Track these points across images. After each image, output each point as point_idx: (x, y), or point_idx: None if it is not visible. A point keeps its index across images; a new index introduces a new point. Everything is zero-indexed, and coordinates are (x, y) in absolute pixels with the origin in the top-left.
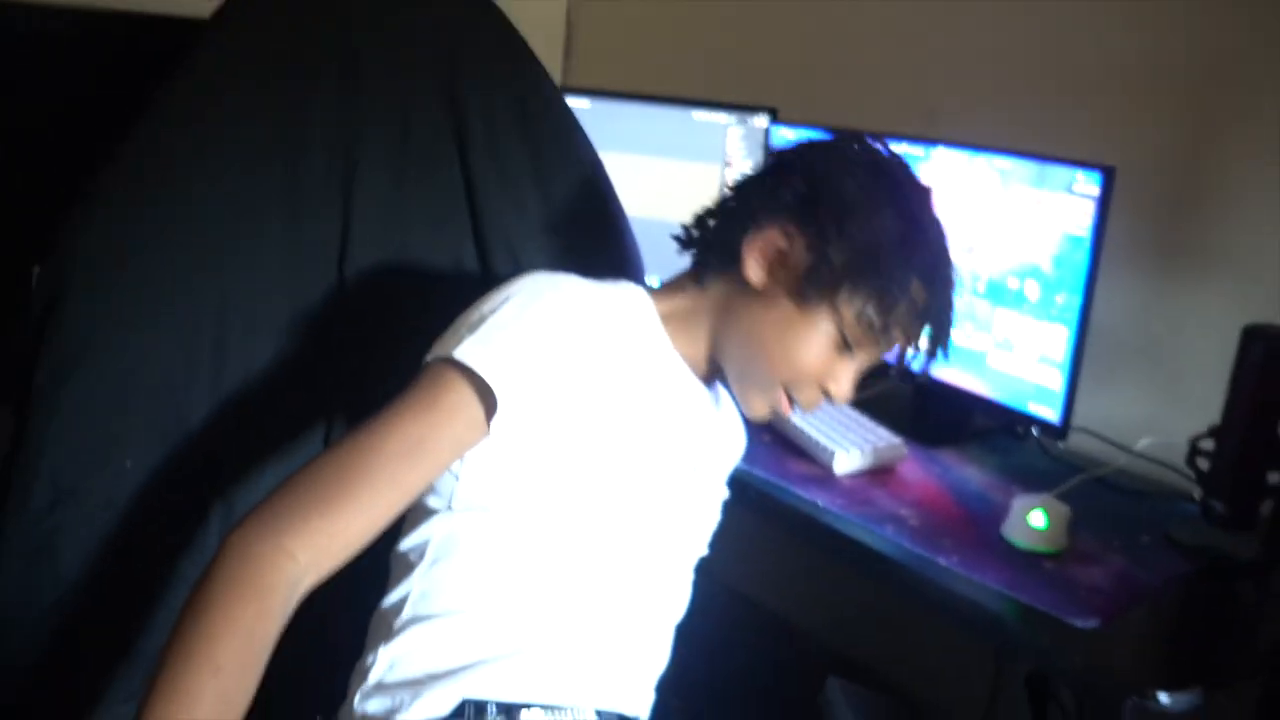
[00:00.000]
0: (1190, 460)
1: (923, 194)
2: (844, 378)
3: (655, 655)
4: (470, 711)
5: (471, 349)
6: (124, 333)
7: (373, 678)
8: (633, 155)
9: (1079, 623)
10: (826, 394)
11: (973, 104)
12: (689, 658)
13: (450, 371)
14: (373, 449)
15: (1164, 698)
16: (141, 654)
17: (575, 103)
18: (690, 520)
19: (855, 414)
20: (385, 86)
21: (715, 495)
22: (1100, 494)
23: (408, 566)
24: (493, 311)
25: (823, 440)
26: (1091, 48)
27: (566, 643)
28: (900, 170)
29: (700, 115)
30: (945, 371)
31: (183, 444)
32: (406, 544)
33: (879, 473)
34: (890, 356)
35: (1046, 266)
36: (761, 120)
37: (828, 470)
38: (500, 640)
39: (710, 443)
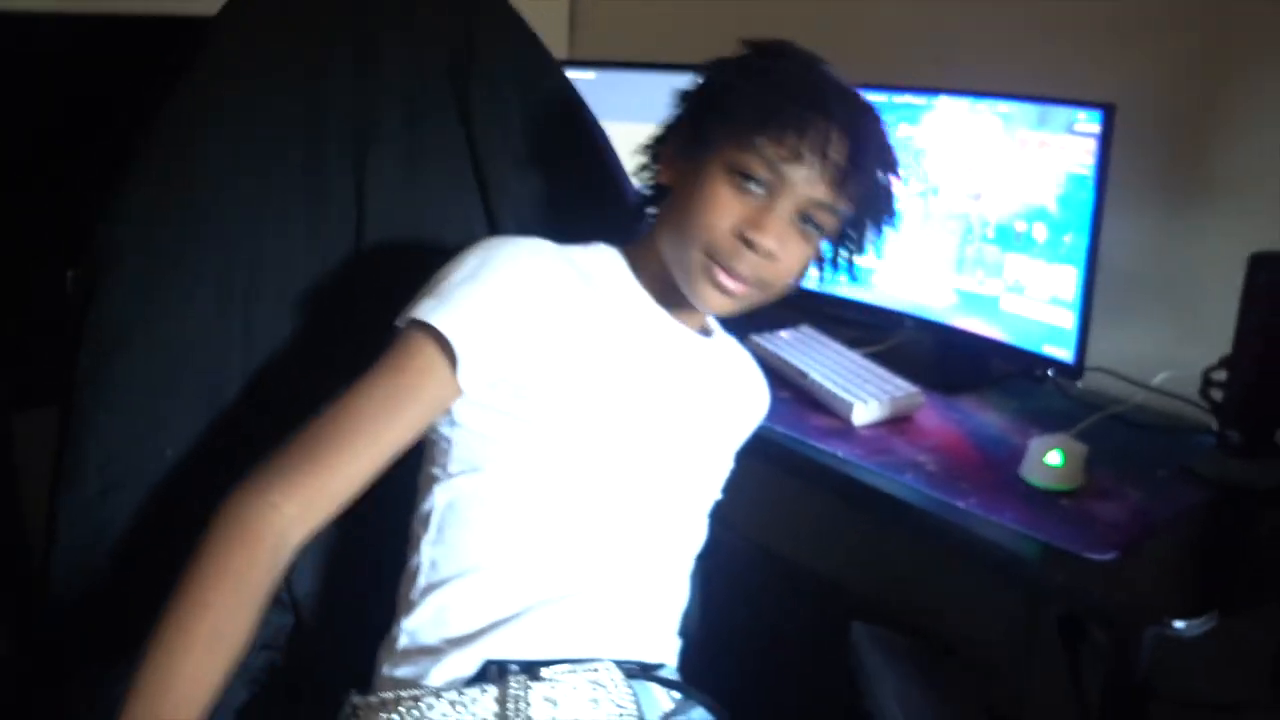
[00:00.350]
0: (1204, 392)
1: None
2: (760, 219)
3: (670, 601)
4: (493, 672)
5: (430, 308)
6: (157, 321)
7: (398, 647)
8: (637, 124)
9: (1096, 556)
10: (750, 244)
11: (980, 50)
12: (714, 609)
13: (415, 332)
14: (350, 410)
15: (1179, 624)
16: None
17: (579, 75)
18: (688, 464)
19: (872, 365)
20: (395, 68)
21: (718, 440)
22: (1119, 431)
23: (417, 537)
24: (451, 272)
25: (840, 393)
26: None
27: (578, 595)
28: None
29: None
30: (960, 319)
31: (218, 426)
32: (416, 515)
33: (897, 422)
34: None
35: (1053, 208)
36: None
37: (847, 422)
38: (513, 599)
39: (701, 385)
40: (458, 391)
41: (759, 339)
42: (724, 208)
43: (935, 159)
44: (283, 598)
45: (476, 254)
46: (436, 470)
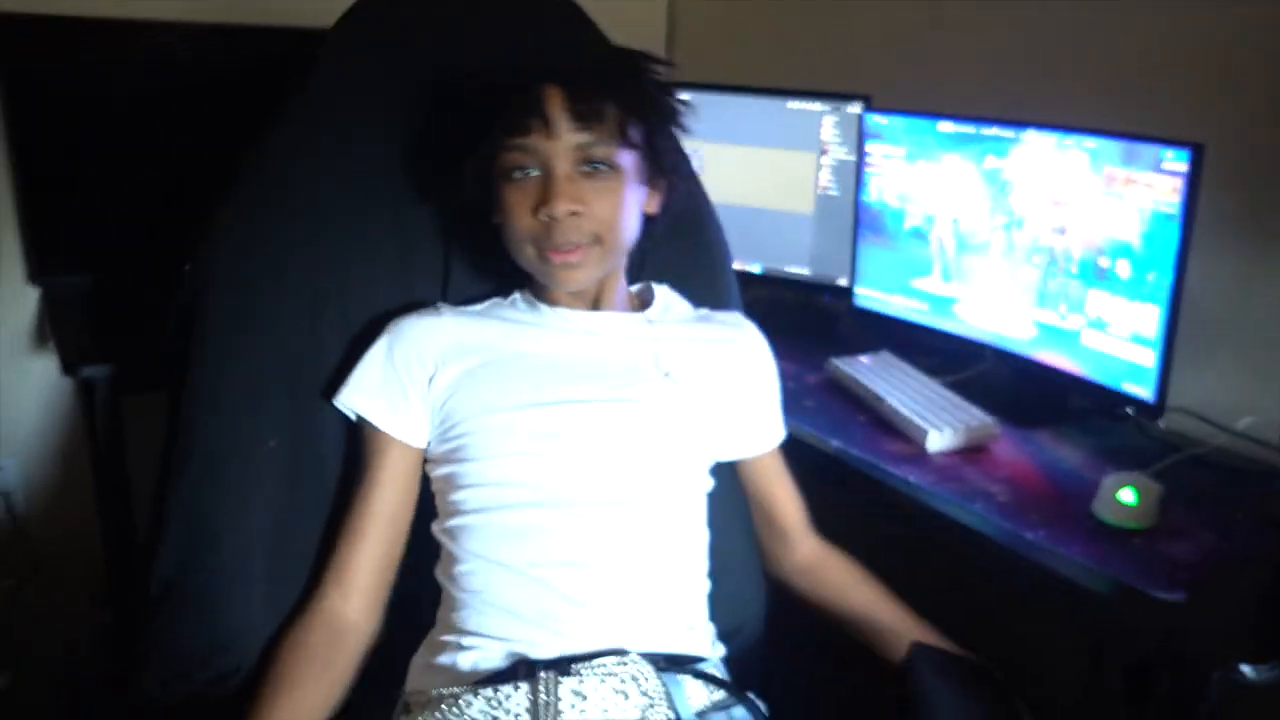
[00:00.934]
0: None
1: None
2: (544, 194)
3: (686, 590)
4: (523, 670)
5: (345, 393)
6: (259, 322)
7: (435, 639)
8: (732, 146)
9: (1164, 595)
10: (552, 218)
11: (1064, 86)
12: (772, 623)
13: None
14: (351, 511)
15: (1246, 669)
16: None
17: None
18: (654, 440)
19: (949, 394)
20: None
21: (688, 407)
22: (1198, 473)
23: (439, 545)
24: (366, 355)
25: (916, 419)
26: (1179, 26)
27: (593, 592)
28: None
29: (794, 104)
30: (1041, 352)
31: (313, 427)
32: (435, 525)
33: (972, 451)
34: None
35: (1137, 245)
36: (855, 107)
37: (921, 449)
38: (526, 601)
39: (636, 361)
40: (412, 451)
41: (838, 362)
42: (518, 205)
43: (1022, 192)
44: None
45: (383, 335)
46: (440, 508)
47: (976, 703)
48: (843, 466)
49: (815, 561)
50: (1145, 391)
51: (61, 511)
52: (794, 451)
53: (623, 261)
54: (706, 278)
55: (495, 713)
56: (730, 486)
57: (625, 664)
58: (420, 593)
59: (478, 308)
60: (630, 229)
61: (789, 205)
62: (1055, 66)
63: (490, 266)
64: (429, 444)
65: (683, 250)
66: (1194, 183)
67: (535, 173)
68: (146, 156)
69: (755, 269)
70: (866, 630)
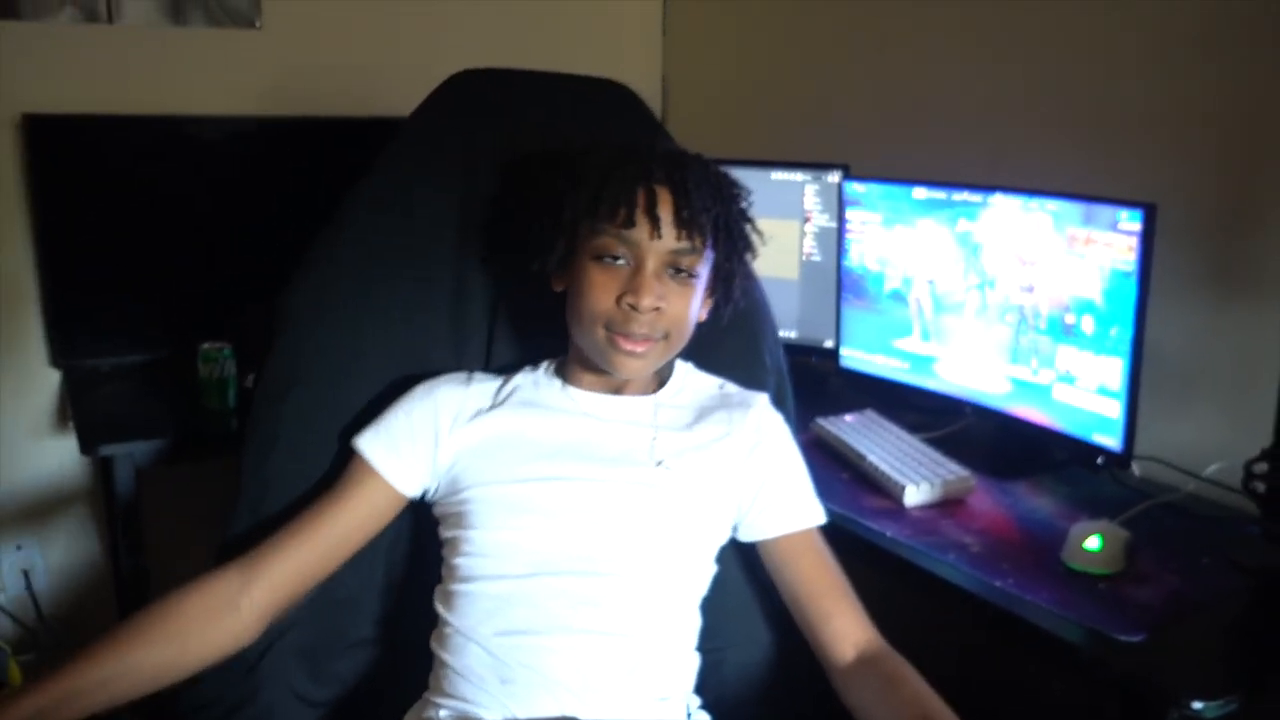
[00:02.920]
0: (1245, 484)
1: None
2: (634, 285)
3: (652, 664)
4: None
5: (364, 434)
6: (332, 357)
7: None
8: None
9: (1123, 637)
10: (635, 308)
11: (1032, 151)
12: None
13: (354, 454)
14: (302, 514)
15: (1198, 705)
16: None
17: None
18: (656, 512)
19: (928, 450)
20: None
21: (692, 480)
22: (1168, 519)
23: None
24: (395, 404)
25: (894, 475)
26: (1143, 95)
27: (541, 663)
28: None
29: (778, 175)
30: (1016, 407)
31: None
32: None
33: (948, 504)
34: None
35: (1099, 301)
36: (834, 176)
37: (899, 503)
38: (486, 669)
39: (646, 438)
40: (395, 494)
41: (823, 422)
42: (601, 287)
43: (992, 253)
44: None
45: (415, 389)
46: (442, 569)
47: None
48: (827, 525)
49: (864, 664)
50: (1113, 441)
51: (79, 587)
52: None
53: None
54: (740, 357)
55: None
56: (753, 567)
57: None
58: (419, 662)
59: (502, 381)
60: (691, 330)
61: (776, 271)
62: (1021, 131)
63: (533, 334)
64: (429, 496)
65: (723, 331)
66: (1148, 240)
67: (624, 263)
68: (163, 244)
69: None
70: None
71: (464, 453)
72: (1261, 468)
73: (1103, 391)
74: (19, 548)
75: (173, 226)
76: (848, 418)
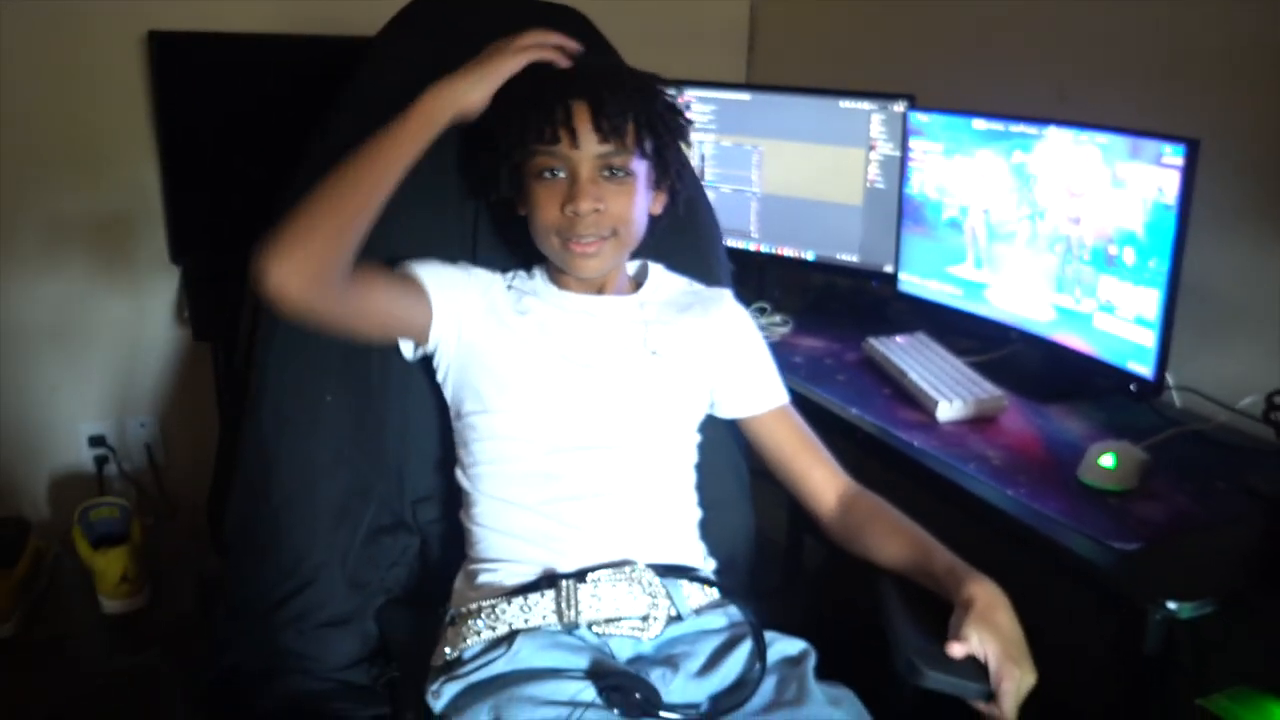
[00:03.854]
0: (1266, 414)
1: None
2: (572, 193)
3: (679, 514)
4: (547, 580)
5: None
6: None
7: (468, 567)
8: (789, 142)
9: (1118, 544)
10: (576, 213)
11: (1096, 84)
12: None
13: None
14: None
15: (1172, 605)
16: (335, 545)
17: (735, 96)
18: (643, 395)
19: (969, 371)
20: None
21: (671, 365)
22: (1194, 447)
23: (464, 488)
24: None
25: (930, 390)
26: (1200, 30)
27: (587, 522)
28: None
29: (846, 104)
30: (1059, 334)
31: (364, 382)
32: (457, 471)
33: (980, 422)
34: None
35: (1140, 233)
36: (899, 106)
37: (932, 417)
38: (538, 531)
39: (625, 329)
40: (427, 314)
41: (874, 341)
42: (546, 200)
43: (1044, 184)
44: (409, 525)
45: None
46: (460, 458)
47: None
48: (859, 432)
49: (845, 509)
50: (1146, 370)
51: (194, 462)
52: (819, 419)
53: (629, 253)
54: (696, 257)
55: (526, 615)
56: (722, 438)
57: (632, 570)
58: (455, 524)
59: (506, 280)
60: (640, 226)
61: (840, 197)
62: (1090, 66)
63: (511, 250)
64: (440, 363)
65: (679, 234)
66: (1189, 175)
67: (562, 174)
68: (273, 152)
69: (809, 256)
70: (906, 571)
71: (484, 335)
72: None
73: (1139, 321)
74: (142, 425)
75: (282, 136)
76: (898, 339)
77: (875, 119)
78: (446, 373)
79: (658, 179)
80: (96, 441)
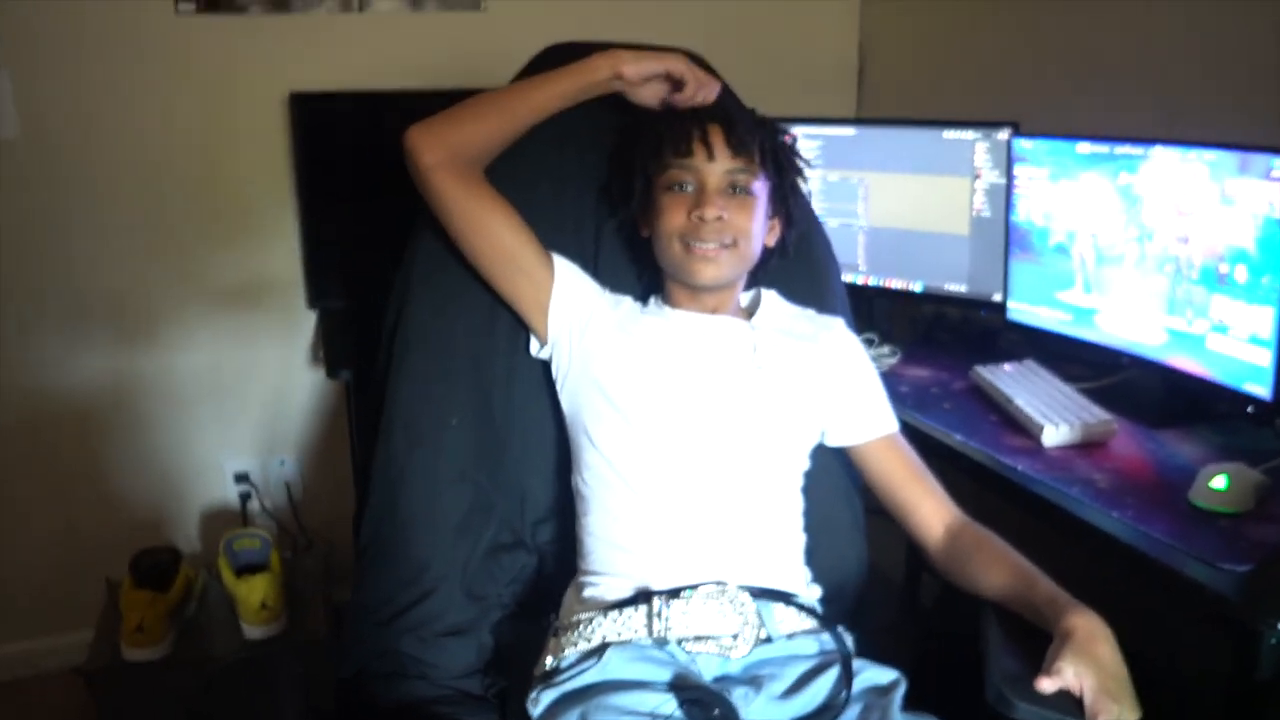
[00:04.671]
0: None
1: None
2: (700, 201)
3: (783, 540)
4: (642, 596)
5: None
6: (446, 322)
7: (577, 580)
8: (894, 175)
9: (1228, 565)
10: (703, 219)
11: (1206, 102)
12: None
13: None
14: None
15: None
16: (455, 558)
17: (840, 131)
18: (752, 422)
19: (1077, 396)
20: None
21: (781, 394)
22: None
23: (578, 509)
24: None
25: (1036, 416)
26: None
27: (689, 541)
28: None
29: (950, 134)
30: (1172, 357)
31: (485, 408)
32: (574, 477)
33: (1088, 447)
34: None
35: (1252, 250)
36: (1003, 134)
37: (1038, 443)
38: (652, 544)
39: (736, 355)
40: (547, 293)
41: (981, 369)
42: (674, 209)
43: (1151, 205)
44: (528, 544)
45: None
46: (574, 465)
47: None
48: (964, 459)
49: (952, 540)
50: (1263, 390)
51: (329, 498)
52: (924, 446)
53: (744, 274)
54: (811, 287)
55: (619, 629)
56: (835, 467)
57: (724, 590)
58: (570, 544)
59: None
60: (758, 245)
61: (946, 227)
62: (1189, 84)
63: (631, 277)
64: (558, 366)
65: (795, 265)
66: None
67: (690, 188)
68: (398, 202)
69: (917, 287)
70: (1009, 602)
71: (601, 342)
72: None
73: (1254, 340)
74: (282, 463)
75: (406, 187)
76: (1006, 366)
77: (979, 148)
78: (565, 377)
79: (774, 208)
80: (241, 478)
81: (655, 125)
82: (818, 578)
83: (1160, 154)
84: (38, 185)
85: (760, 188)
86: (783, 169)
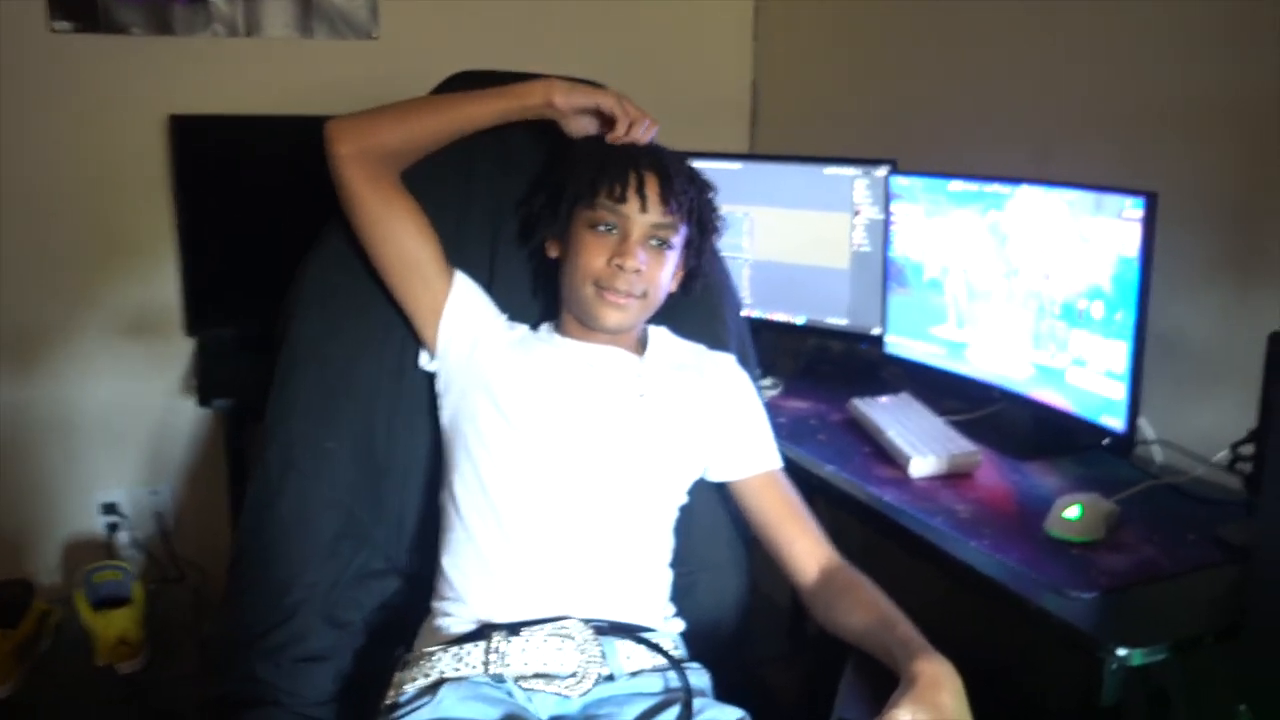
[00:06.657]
0: (1232, 465)
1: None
2: (622, 248)
3: (630, 574)
4: (482, 631)
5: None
6: (330, 347)
7: (431, 606)
8: (778, 209)
9: (1076, 593)
10: (621, 268)
11: (1075, 143)
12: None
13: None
14: None
15: (1122, 651)
16: (318, 583)
17: (728, 165)
18: (630, 455)
19: (948, 429)
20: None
21: (664, 429)
22: (1168, 499)
23: (444, 514)
24: None
25: (905, 447)
26: (1166, 90)
27: (552, 571)
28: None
29: (830, 170)
30: (1037, 390)
31: (368, 432)
32: (442, 492)
33: (954, 478)
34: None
35: (1107, 287)
36: (881, 171)
37: (906, 474)
38: (488, 577)
39: (624, 389)
40: (441, 297)
41: (858, 402)
42: (594, 250)
43: (1016, 242)
44: (403, 570)
45: None
46: (442, 478)
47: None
48: (836, 490)
49: (825, 581)
50: (1118, 423)
51: (202, 528)
52: (796, 476)
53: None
54: (705, 323)
55: (458, 665)
56: (717, 502)
57: (565, 626)
58: (429, 574)
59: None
60: (665, 292)
61: (828, 261)
62: (1061, 125)
63: (527, 291)
64: (440, 378)
65: (690, 302)
66: (1150, 227)
67: (615, 232)
68: (283, 229)
69: (799, 320)
70: (867, 645)
71: (491, 361)
72: (1247, 449)
73: (1110, 375)
74: (155, 493)
75: (292, 214)
76: (882, 399)
77: (859, 184)
78: (450, 385)
79: (685, 259)
80: (109, 509)
81: (595, 156)
82: (694, 613)
83: (1025, 193)
84: None
85: (678, 241)
86: (704, 227)
